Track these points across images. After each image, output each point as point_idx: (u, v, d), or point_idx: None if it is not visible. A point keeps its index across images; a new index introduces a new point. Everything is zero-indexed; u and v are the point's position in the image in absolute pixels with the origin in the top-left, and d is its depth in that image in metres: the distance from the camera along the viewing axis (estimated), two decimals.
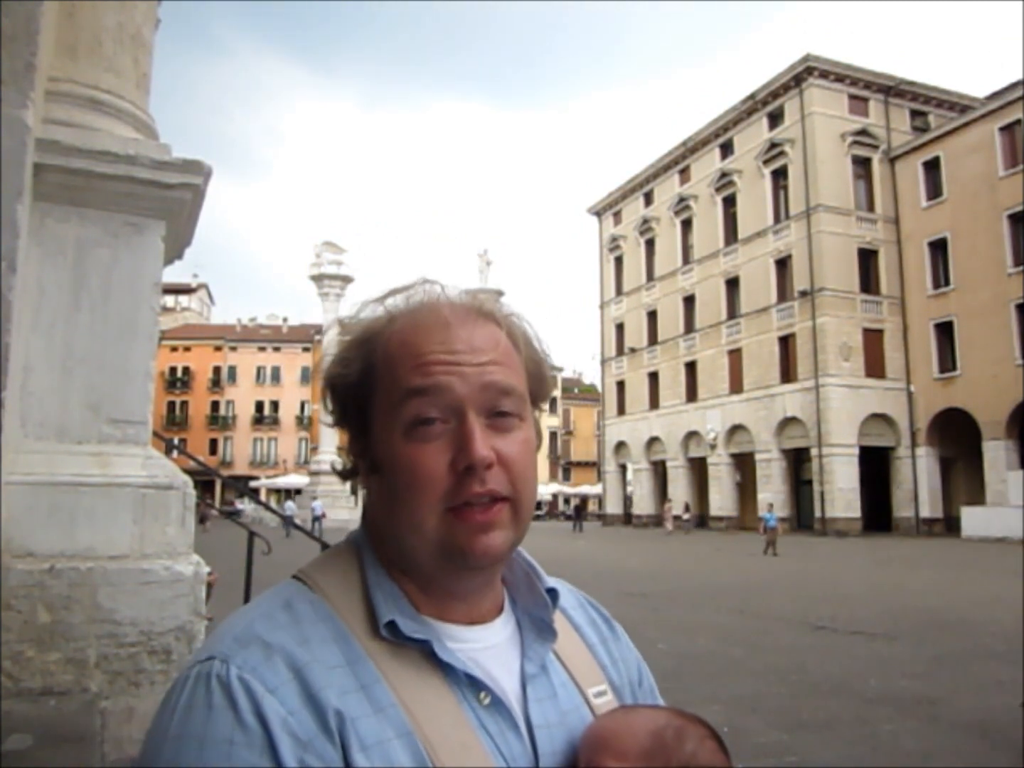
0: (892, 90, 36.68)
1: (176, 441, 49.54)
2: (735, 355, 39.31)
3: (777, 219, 37.46)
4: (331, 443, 37.58)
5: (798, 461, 36.40)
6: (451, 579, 0.72)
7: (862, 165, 36.21)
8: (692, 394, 42.00)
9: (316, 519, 29.59)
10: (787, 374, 36.12)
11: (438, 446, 0.69)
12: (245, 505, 35.81)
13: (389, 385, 0.71)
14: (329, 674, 0.64)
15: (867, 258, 35.67)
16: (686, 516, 38.62)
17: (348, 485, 0.80)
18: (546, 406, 0.82)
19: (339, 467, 0.80)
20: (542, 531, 40.72)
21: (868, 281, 35.54)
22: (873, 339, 35.03)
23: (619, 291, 49.29)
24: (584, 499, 51.41)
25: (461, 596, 0.74)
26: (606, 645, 0.86)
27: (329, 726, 0.61)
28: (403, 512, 0.70)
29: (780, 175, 37.55)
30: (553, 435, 77.90)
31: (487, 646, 0.74)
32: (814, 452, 34.25)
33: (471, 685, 0.70)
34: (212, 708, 0.60)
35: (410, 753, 0.64)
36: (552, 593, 0.79)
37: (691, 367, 42.30)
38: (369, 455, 0.74)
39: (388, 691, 0.66)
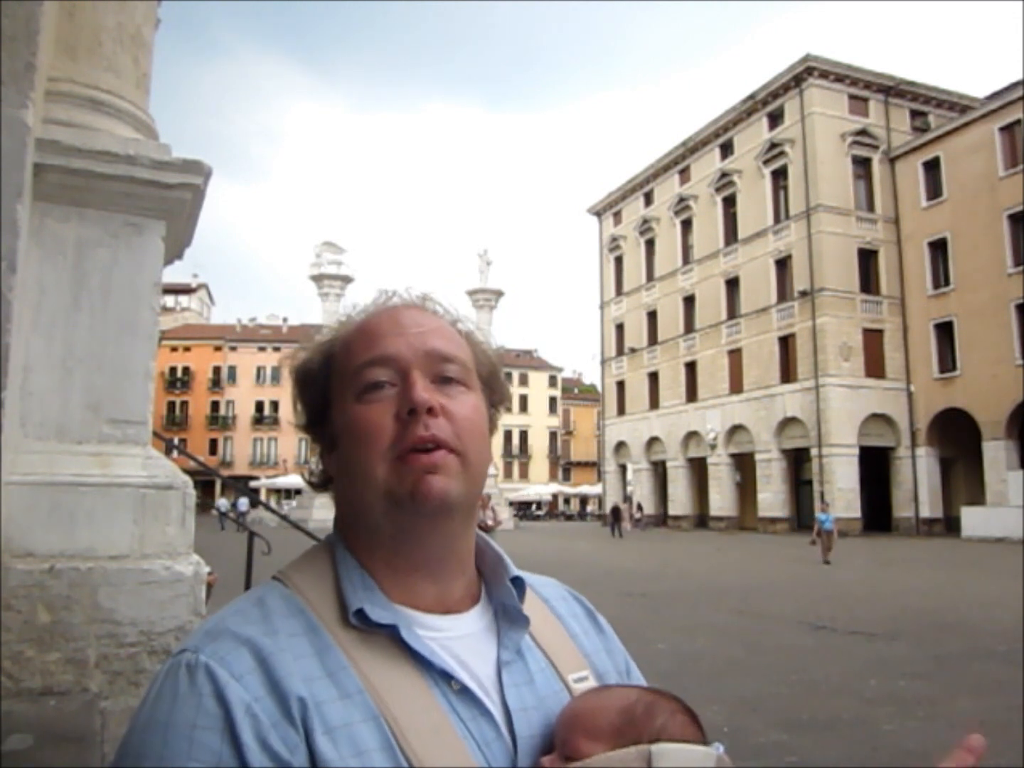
0: (892, 90, 36.67)
1: (176, 441, 49.61)
2: (735, 355, 39.31)
3: (777, 219, 37.46)
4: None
5: (798, 461, 36.40)
6: (408, 538, 0.75)
7: (862, 165, 36.20)
8: (692, 394, 42.00)
9: (241, 514, 33.49)
10: (787, 374, 36.11)
11: (385, 405, 0.74)
12: (252, 511, 37.52)
13: (345, 363, 0.78)
14: (295, 663, 0.66)
15: (867, 258, 35.66)
16: (637, 515, 38.96)
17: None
18: (501, 411, 0.86)
19: (311, 477, 0.85)
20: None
21: (868, 281, 35.54)
22: (873, 339, 35.03)
23: (619, 291, 49.28)
24: (610, 500, 47.05)
25: (427, 569, 0.76)
26: (588, 636, 0.88)
27: (292, 712, 0.63)
28: (356, 469, 0.74)
29: (780, 175, 37.54)
30: (553, 435, 77.93)
31: (461, 635, 0.76)
32: (814, 452, 34.24)
33: (441, 672, 0.72)
34: (178, 696, 0.63)
35: (377, 736, 0.65)
36: (517, 582, 0.82)
37: (691, 367, 42.30)
38: (328, 436, 0.79)
39: (355, 677, 0.68)
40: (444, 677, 0.71)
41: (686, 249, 43.64)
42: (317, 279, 41.71)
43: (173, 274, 61.82)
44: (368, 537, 0.76)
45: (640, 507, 41.97)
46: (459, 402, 0.76)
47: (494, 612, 0.80)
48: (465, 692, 0.72)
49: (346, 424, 0.75)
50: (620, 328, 48.99)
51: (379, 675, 0.69)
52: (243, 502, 39.26)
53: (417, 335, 0.77)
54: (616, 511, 37.02)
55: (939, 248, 34.06)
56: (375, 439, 0.73)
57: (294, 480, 54.64)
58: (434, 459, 0.72)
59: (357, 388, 0.75)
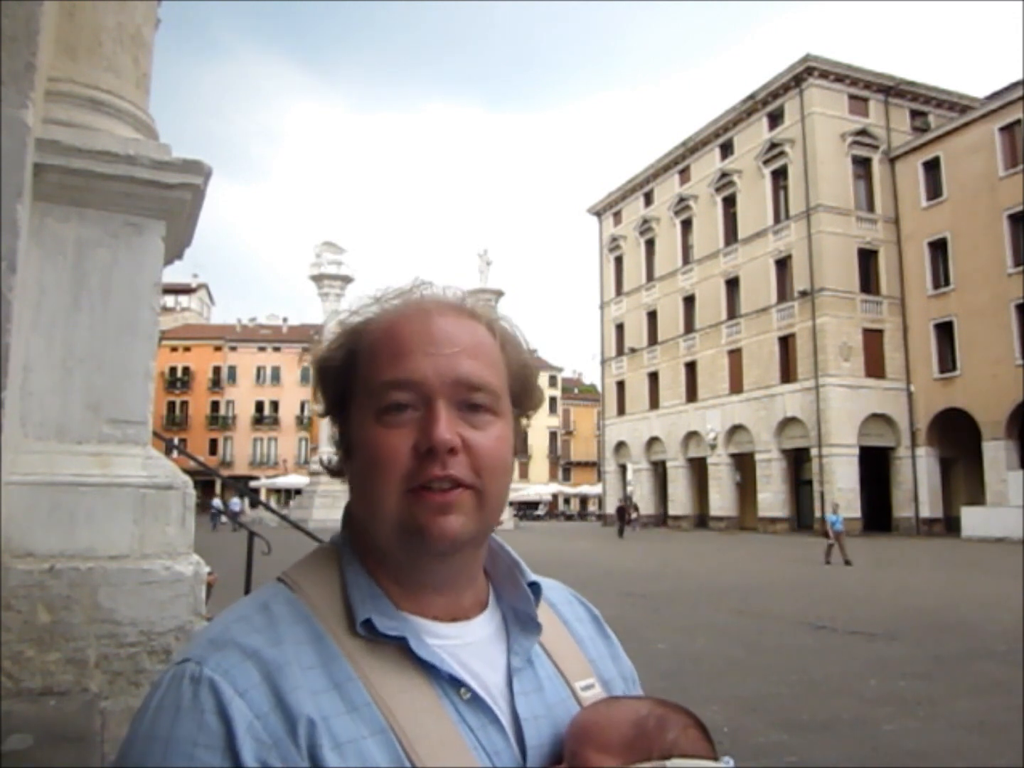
0: (892, 90, 36.66)
1: (176, 441, 49.63)
2: (735, 355, 39.30)
3: (777, 219, 37.45)
4: (331, 443, 37.52)
5: (798, 461, 36.39)
6: (416, 566, 0.73)
7: (862, 165, 36.19)
8: (692, 394, 41.99)
9: (235, 515, 33.50)
10: (787, 374, 36.10)
11: (404, 431, 0.71)
12: (252, 511, 37.94)
13: (368, 373, 0.73)
14: (302, 675, 0.65)
15: (867, 258, 35.66)
16: (633, 515, 38.76)
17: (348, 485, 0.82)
18: (533, 415, 0.83)
19: (329, 464, 0.82)
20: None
21: (868, 281, 35.53)
22: (873, 339, 35.02)
23: (619, 291, 49.28)
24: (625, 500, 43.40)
25: (435, 588, 0.75)
26: (594, 641, 0.87)
27: (297, 730, 0.62)
28: (366, 493, 0.72)
29: (780, 175, 37.53)
30: (553, 435, 77.88)
31: (468, 642, 0.75)
32: (814, 452, 34.23)
33: (451, 680, 0.70)
34: (180, 710, 0.62)
35: (386, 751, 0.64)
36: (534, 587, 0.80)
37: (691, 367, 42.30)
38: (346, 441, 0.76)
39: (363, 690, 0.67)
40: (453, 686, 0.70)
41: (686, 249, 43.63)
42: (317, 279, 41.69)
43: (173, 274, 61.85)
44: (376, 553, 0.74)
45: (636, 507, 41.90)
46: (484, 433, 0.72)
47: (502, 617, 0.79)
48: (475, 700, 0.70)
49: (363, 441, 0.72)
50: (620, 328, 48.98)
51: (387, 686, 0.68)
52: (235, 502, 39.62)
53: (448, 357, 0.71)
54: (622, 511, 36.40)
55: (939, 248, 34.06)
56: (390, 469, 0.70)
57: (294, 480, 54.65)
58: (448, 498, 0.70)
59: (377, 406, 0.72)
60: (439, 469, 0.69)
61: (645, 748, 0.71)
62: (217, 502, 39.84)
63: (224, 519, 33.78)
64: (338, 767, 0.62)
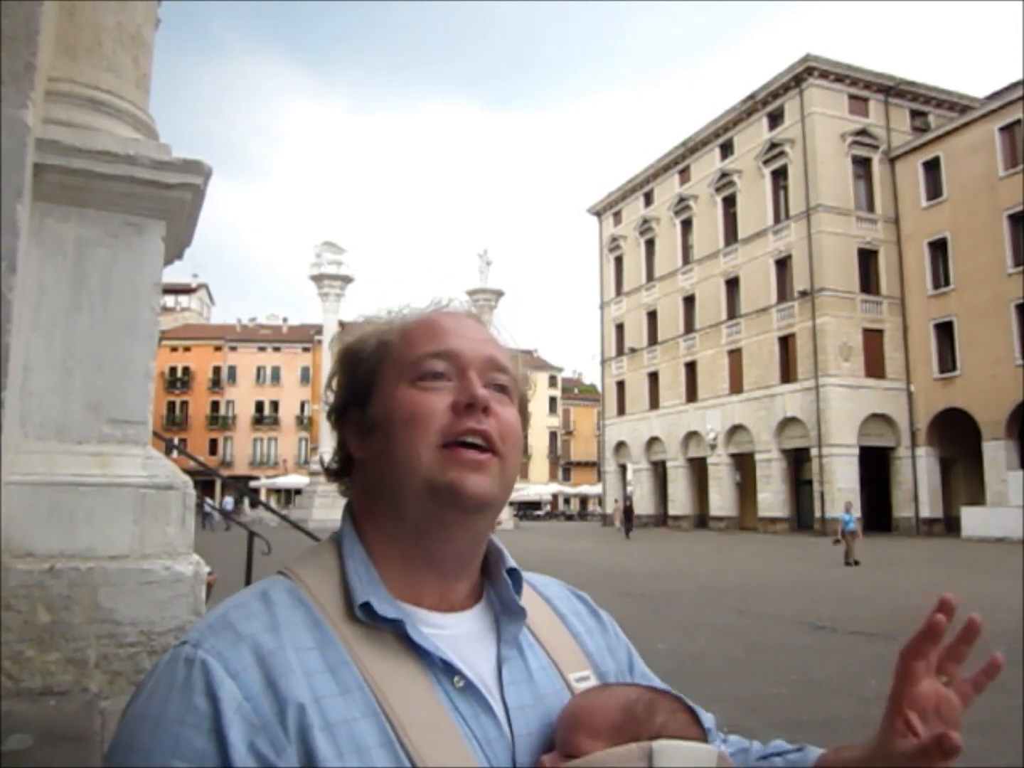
0: (892, 90, 36.67)
1: (176, 441, 49.67)
2: (735, 355, 39.31)
3: (777, 219, 37.45)
4: (331, 443, 37.45)
5: (798, 461, 36.39)
6: (434, 529, 0.75)
7: (862, 165, 36.20)
8: (692, 394, 42.00)
9: (227, 514, 34.16)
10: (787, 374, 36.11)
11: (441, 394, 0.76)
12: (252, 511, 38.31)
13: (404, 352, 0.78)
14: (296, 657, 0.66)
15: (867, 258, 35.66)
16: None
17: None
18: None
19: (330, 465, 0.85)
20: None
21: (868, 281, 35.53)
22: (873, 339, 35.02)
23: (619, 291, 49.28)
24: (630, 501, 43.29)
25: (439, 566, 0.76)
26: (592, 635, 0.88)
27: (285, 713, 0.63)
28: (398, 452, 0.74)
29: (780, 175, 37.53)
30: (553, 435, 77.88)
31: (461, 632, 0.76)
32: (814, 452, 34.24)
33: (445, 669, 0.72)
34: (172, 689, 0.63)
35: (377, 732, 0.65)
36: (513, 573, 0.82)
37: (691, 367, 42.30)
38: (368, 421, 0.79)
39: (356, 673, 0.68)
40: (447, 674, 0.71)
41: (686, 249, 43.63)
42: (317, 279, 41.68)
43: (173, 274, 61.87)
44: (392, 524, 0.76)
45: (631, 507, 41.86)
46: (507, 410, 0.79)
47: (496, 611, 0.80)
48: (468, 689, 0.72)
49: (396, 406, 0.76)
50: (620, 328, 48.99)
51: (381, 671, 0.69)
52: (227, 501, 40.13)
53: (479, 341, 0.80)
54: (629, 512, 35.77)
55: (939, 248, 34.06)
56: (426, 423, 0.74)
57: (294, 480, 54.63)
58: (480, 458, 0.74)
59: (414, 375, 0.77)
60: (475, 423, 0.74)
61: (634, 731, 0.71)
62: (210, 501, 40.48)
63: (218, 518, 33.98)
64: (328, 748, 0.63)
